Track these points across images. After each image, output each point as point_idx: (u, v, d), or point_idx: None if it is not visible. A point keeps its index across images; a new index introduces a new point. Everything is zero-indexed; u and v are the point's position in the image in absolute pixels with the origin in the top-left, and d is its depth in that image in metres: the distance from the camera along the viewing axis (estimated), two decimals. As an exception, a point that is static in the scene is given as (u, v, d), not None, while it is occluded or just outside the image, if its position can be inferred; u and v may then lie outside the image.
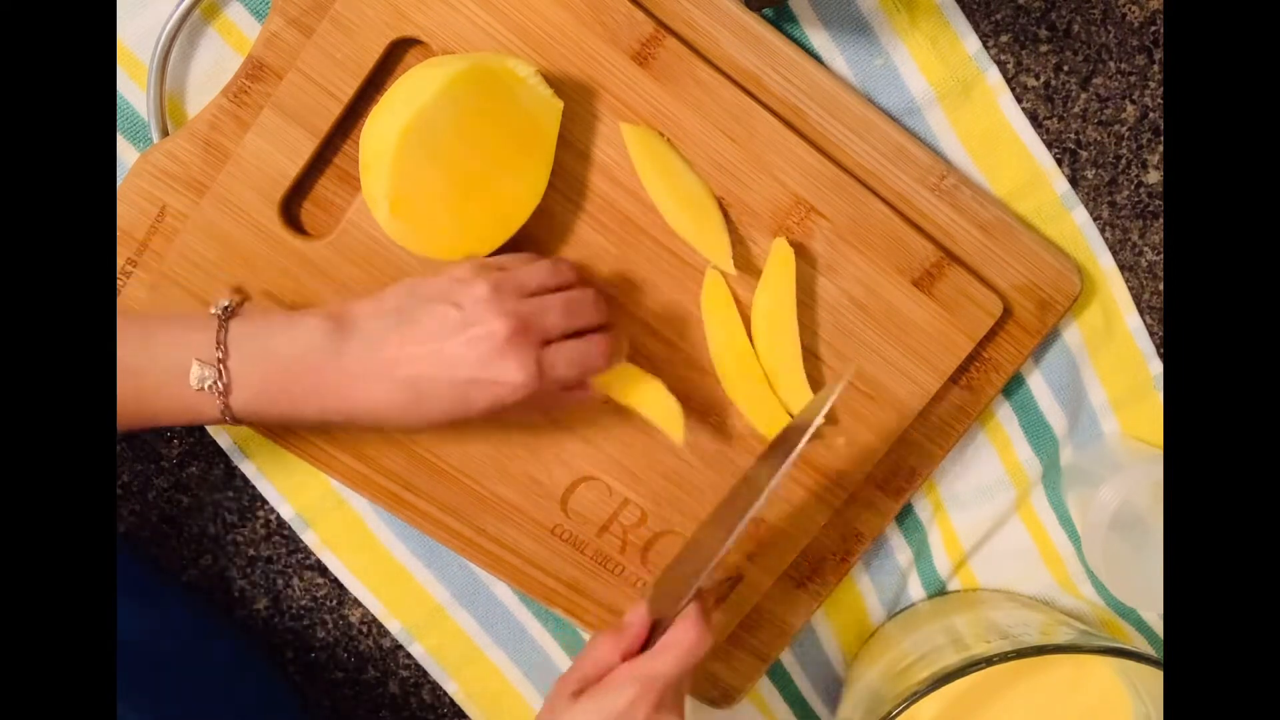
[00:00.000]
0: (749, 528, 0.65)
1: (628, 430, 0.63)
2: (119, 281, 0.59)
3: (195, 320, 0.52)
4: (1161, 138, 0.64)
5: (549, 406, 0.54)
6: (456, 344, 0.51)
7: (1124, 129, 0.64)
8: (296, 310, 0.54)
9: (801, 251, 0.60)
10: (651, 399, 0.59)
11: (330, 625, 0.70)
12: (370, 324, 0.52)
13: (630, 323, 0.61)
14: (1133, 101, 0.64)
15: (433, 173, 0.53)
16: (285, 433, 0.62)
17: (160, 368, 0.50)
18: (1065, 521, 0.71)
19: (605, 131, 0.58)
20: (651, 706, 0.52)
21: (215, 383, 0.50)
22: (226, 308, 0.53)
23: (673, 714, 0.53)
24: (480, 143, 0.54)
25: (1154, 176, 0.65)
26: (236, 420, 0.52)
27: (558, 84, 0.56)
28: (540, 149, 0.56)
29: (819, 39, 0.61)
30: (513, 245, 0.58)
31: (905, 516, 0.70)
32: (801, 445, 0.53)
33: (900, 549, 0.70)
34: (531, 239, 0.59)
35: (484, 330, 0.50)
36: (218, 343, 0.51)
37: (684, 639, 0.53)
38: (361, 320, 0.52)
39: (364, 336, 0.51)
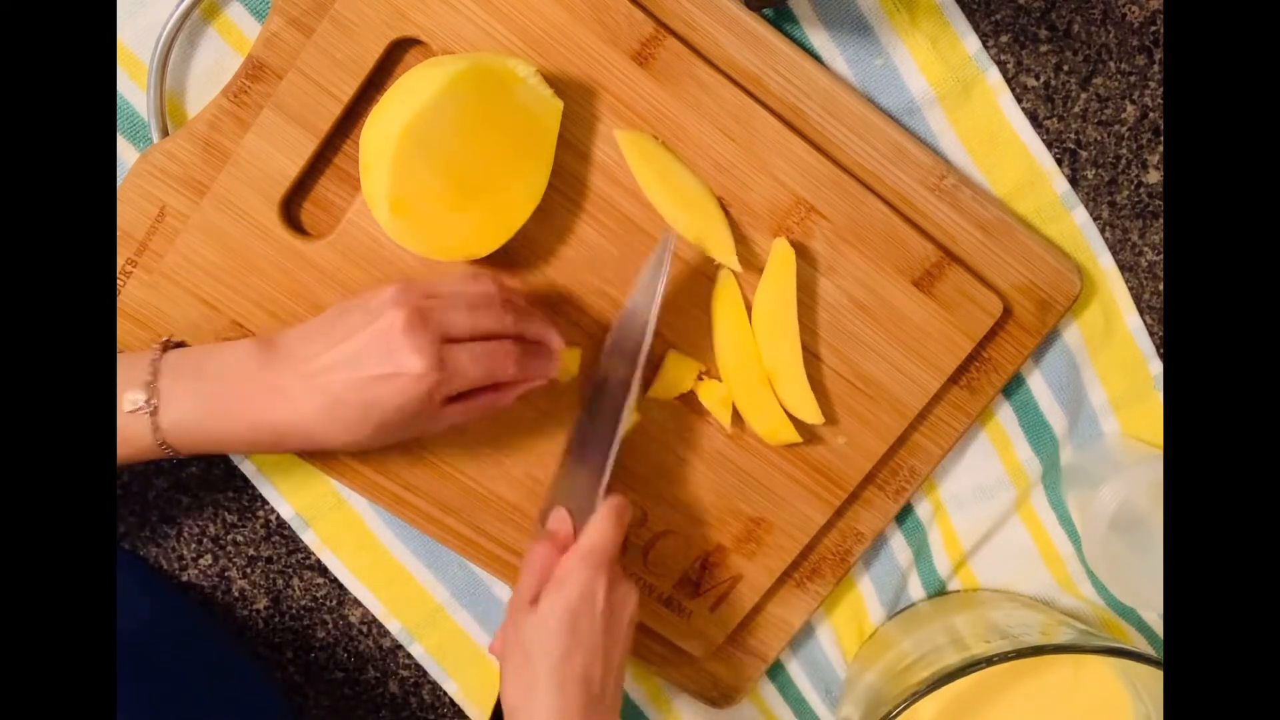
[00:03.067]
0: (749, 527, 0.65)
1: (627, 430, 0.63)
2: (119, 281, 0.59)
3: (131, 355, 0.54)
4: (1161, 138, 0.64)
5: (463, 414, 0.55)
6: (358, 341, 0.51)
7: (1124, 129, 0.64)
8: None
9: (802, 251, 0.60)
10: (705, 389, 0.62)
11: (330, 625, 0.70)
12: (294, 341, 0.53)
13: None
14: (1133, 101, 0.64)
15: (433, 173, 0.53)
16: (177, 452, 0.61)
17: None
18: (1065, 521, 0.71)
19: (605, 131, 0.58)
20: (607, 578, 0.54)
21: (146, 402, 0.52)
22: (166, 342, 0.56)
23: (626, 580, 0.56)
24: (480, 143, 0.54)
25: (1154, 176, 0.65)
26: (170, 448, 0.53)
27: (558, 84, 0.56)
28: (540, 149, 0.56)
29: (819, 39, 0.61)
30: (513, 245, 0.58)
31: (905, 516, 0.70)
32: (653, 321, 0.56)
33: (900, 549, 0.70)
34: (531, 239, 0.59)
35: (384, 324, 0.51)
36: (151, 366, 0.53)
37: (612, 508, 0.56)
38: (287, 339, 0.54)
39: (287, 352, 0.53)
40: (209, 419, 0.52)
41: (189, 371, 0.53)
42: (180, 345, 0.56)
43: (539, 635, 0.53)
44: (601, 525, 0.56)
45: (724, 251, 0.59)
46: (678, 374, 0.62)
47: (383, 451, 0.63)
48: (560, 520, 0.58)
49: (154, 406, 0.52)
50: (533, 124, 0.55)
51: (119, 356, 0.54)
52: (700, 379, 0.62)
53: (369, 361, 0.51)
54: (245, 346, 0.53)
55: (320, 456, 0.62)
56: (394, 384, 0.51)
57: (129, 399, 0.52)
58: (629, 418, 0.58)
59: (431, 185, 0.53)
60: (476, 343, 0.53)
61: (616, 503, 0.57)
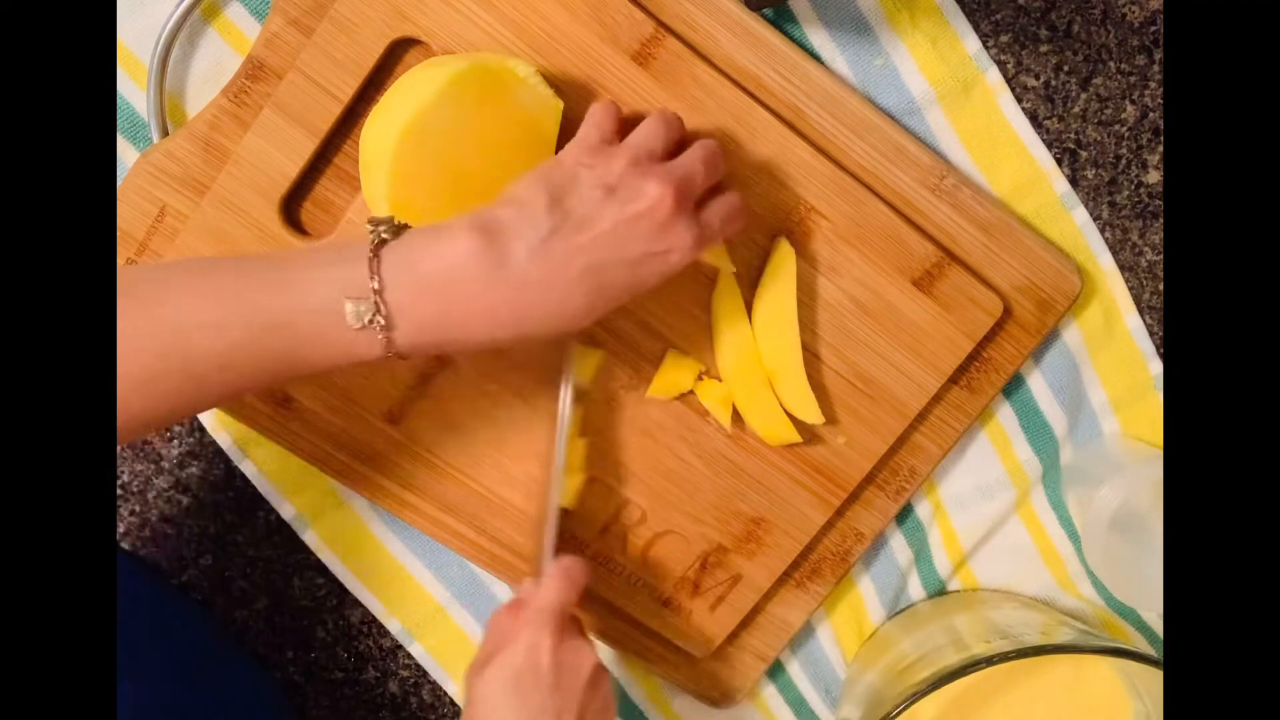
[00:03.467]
0: (749, 528, 0.65)
1: (628, 430, 0.63)
2: (119, 281, 0.59)
3: (338, 253, 0.48)
4: (1161, 138, 0.64)
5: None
6: (622, 223, 0.48)
7: (1124, 129, 0.64)
8: (437, 225, 0.49)
9: (802, 251, 0.60)
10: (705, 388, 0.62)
11: (330, 625, 0.70)
12: (524, 226, 0.48)
13: (629, 323, 0.61)
14: (1133, 101, 0.64)
15: (433, 172, 0.53)
16: (285, 432, 0.62)
17: (310, 311, 0.46)
18: (1065, 521, 0.71)
19: (605, 131, 0.58)
20: (552, 637, 0.54)
21: (375, 318, 0.46)
22: (376, 235, 0.48)
23: (578, 638, 0.55)
24: (480, 143, 0.54)
25: (1154, 176, 0.65)
26: (403, 356, 0.48)
27: (558, 84, 0.56)
28: (540, 149, 0.56)
29: (819, 39, 0.61)
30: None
31: (905, 516, 0.70)
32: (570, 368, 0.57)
33: (900, 549, 0.70)
34: (531, 239, 0.59)
35: (646, 203, 0.49)
36: (372, 273, 0.46)
37: (558, 567, 0.56)
38: (509, 225, 0.48)
39: (523, 240, 0.48)
40: (448, 328, 0.48)
41: (416, 283, 0.47)
42: (387, 224, 0.49)
43: (486, 701, 0.53)
44: (547, 585, 0.56)
45: (717, 254, 0.59)
46: (678, 374, 0.62)
47: (383, 452, 0.63)
48: (526, 588, 0.58)
49: (385, 319, 0.46)
50: (533, 124, 0.55)
51: (306, 254, 0.48)
52: (700, 379, 0.62)
53: (635, 242, 0.49)
54: (468, 241, 0.47)
55: (320, 456, 0.62)
56: (664, 260, 0.50)
57: (353, 311, 0.46)
58: (564, 478, 0.60)
59: (431, 185, 0.53)
60: (720, 201, 0.53)
61: (565, 564, 0.57)
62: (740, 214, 0.54)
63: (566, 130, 0.57)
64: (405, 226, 0.49)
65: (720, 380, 0.63)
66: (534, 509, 0.63)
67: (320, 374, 0.48)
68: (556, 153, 0.56)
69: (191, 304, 0.46)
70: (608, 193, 0.49)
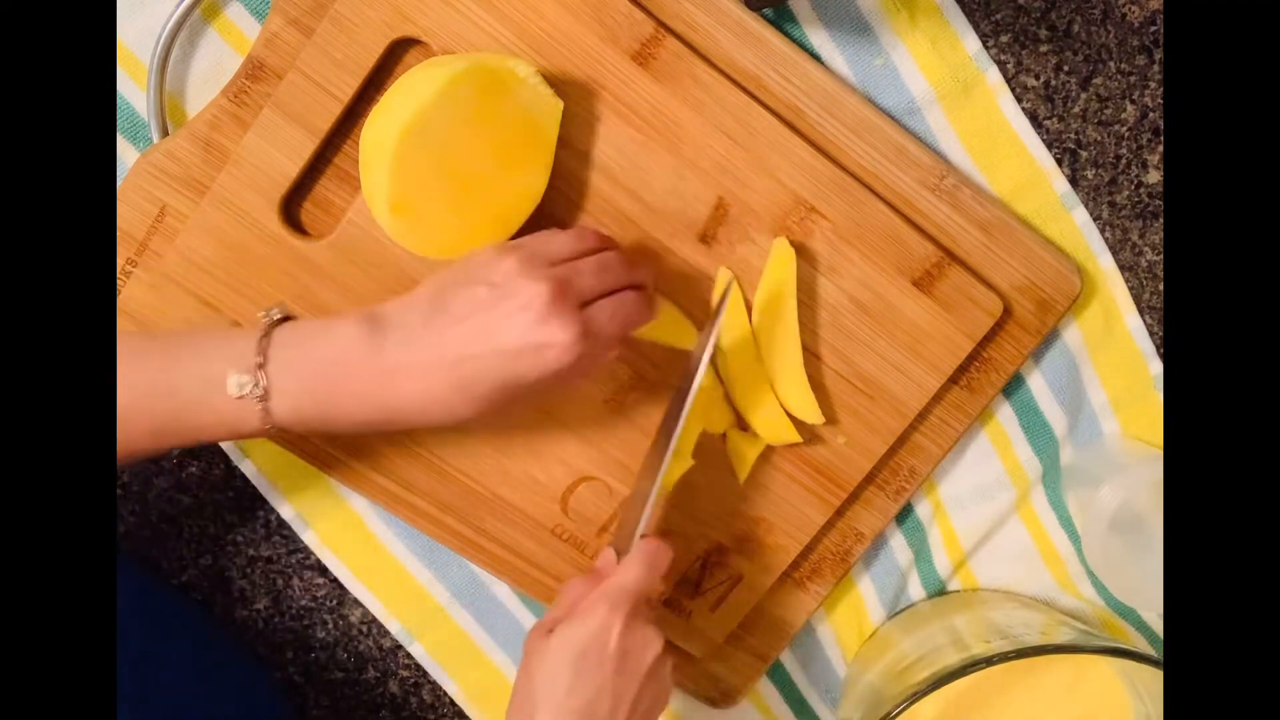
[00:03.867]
0: (749, 527, 0.65)
1: (628, 430, 0.63)
2: (119, 281, 0.59)
3: (228, 332, 0.52)
4: (1161, 138, 0.64)
5: (588, 369, 0.53)
6: (496, 316, 0.50)
7: (1124, 129, 0.64)
8: (331, 316, 0.53)
9: (802, 251, 0.60)
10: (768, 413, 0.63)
11: (330, 625, 0.70)
12: (405, 316, 0.51)
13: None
14: (1133, 101, 0.64)
15: (432, 172, 0.53)
16: (286, 432, 0.62)
17: (199, 381, 0.50)
18: (1065, 521, 0.71)
19: (605, 132, 0.58)
20: (625, 617, 0.53)
21: (253, 389, 0.49)
22: (270, 317, 0.52)
23: (649, 625, 0.54)
24: (480, 142, 0.54)
25: (1154, 176, 0.65)
26: (278, 430, 0.51)
27: (558, 84, 0.56)
28: (540, 149, 0.56)
29: (819, 39, 0.61)
30: (513, 245, 0.58)
31: (905, 516, 0.70)
32: (704, 362, 0.55)
33: (900, 549, 0.70)
34: (531, 239, 0.59)
35: (523, 299, 0.49)
36: (258, 350, 0.50)
37: (643, 550, 0.56)
38: (395, 315, 0.51)
39: (401, 329, 0.50)
40: (323, 405, 0.50)
41: (295, 358, 0.50)
42: (286, 319, 0.53)
43: (545, 666, 0.53)
44: (629, 566, 0.55)
45: (678, 331, 0.61)
46: (711, 413, 0.62)
47: (383, 452, 0.63)
48: (605, 558, 0.57)
49: (264, 391, 0.49)
50: (533, 124, 0.55)
51: (197, 332, 0.53)
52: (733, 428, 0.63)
53: (509, 335, 0.49)
54: (351, 327, 0.50)
55: (320, 456, 0.62)
56: (541, 356, 0.49)
57: (234, 382, 0.49)
58: (671, 461, 0.57)
59: (431, 185, 0.53)
60: (611, 301, 0.52)
61: (650, 546, 0.56)
62: (636, 313, 0.53)
63: (566, 131, 0.57)
64: (292, 316, 0.53)
65: (751, 433, 0.63)
66: (634, 484, 0.62)
67: (204, 442, 0.52)
68: (555, 154, 0.56)
69: None
70: (489, 289, 0.50)
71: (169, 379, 0.50)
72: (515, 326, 0.49)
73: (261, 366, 0.49)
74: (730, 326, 0.61)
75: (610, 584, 0.54)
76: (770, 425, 0.62)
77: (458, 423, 0.51)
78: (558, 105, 0.55)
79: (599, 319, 0.51)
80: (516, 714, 0.53)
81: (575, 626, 0.53)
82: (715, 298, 0.61)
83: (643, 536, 0.57)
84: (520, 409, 0.53)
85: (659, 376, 0.62)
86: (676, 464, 0.62)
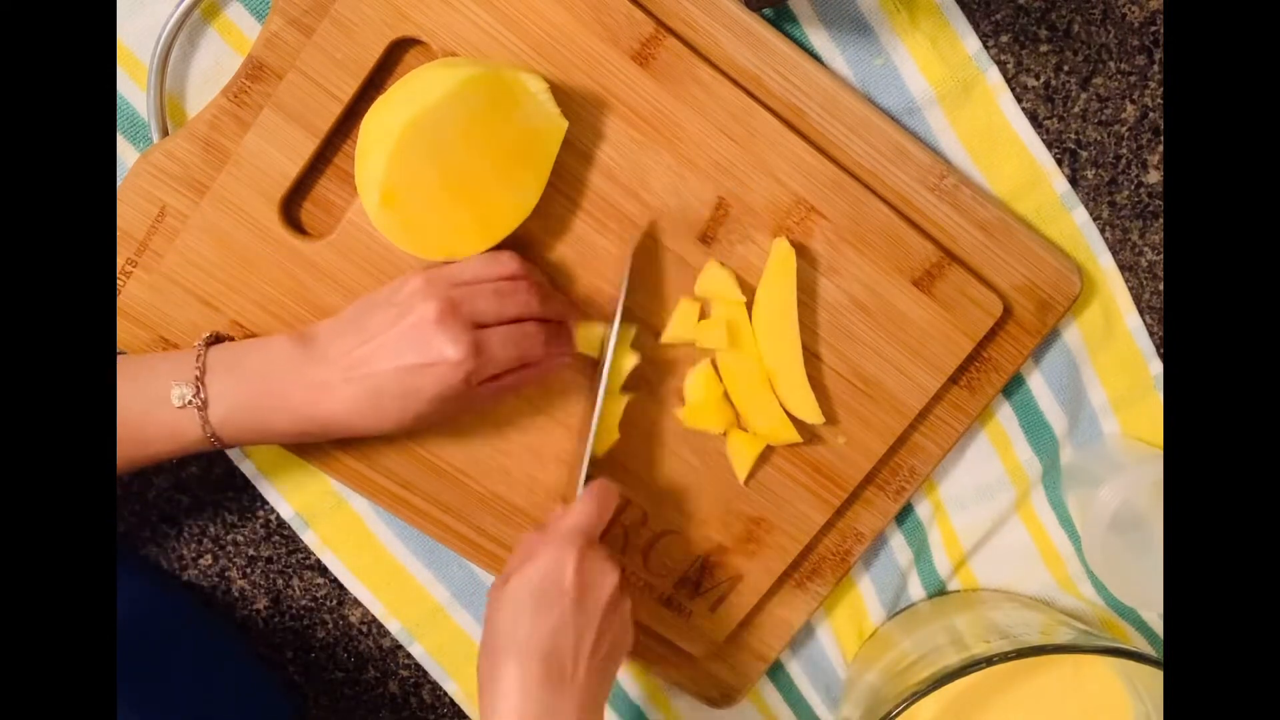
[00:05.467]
0: (749, 528, 0.65)
1: (628, 430, 0.63)
2: (119, 281, 0.59)
3: (175, 353, 0.56)
4: (1161, 138, 0.64)
5: (494, 395, 0.57)
6: (394, 334, 0.53)
7: (1124, 129, 0.64)
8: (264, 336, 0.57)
9: (802, 251, 0.60)
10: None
11: (330, 625, 0.70)
12: (327, 335, 0.55)
13: (630, 321, 0.61)
14: (1133, 101, 0.64)
15: (429, 170, 0.53)
16: (224, 444, 0.62)
17: (145, 397, 0.54)
18: (1065, 521, 0.71)
19: (605, 131, 0.58)
20: (577, 554, 0.54)
21: (194, 398, 0.53)
22: (209, 337, 0.57)
23: (606, 559, 0.56)
24: (480, 148, 0.54)
25: (1154, 176, 0.65)
26: (218, 440, 0.54)
27: (565, 95, 0.56)
28: (538, 164, 0.56)
29: (819, 39, 0.61)
30: (512, 244, 0.58)
31: (905, 516, 0.70)
32: (613, 340, 0.59)
33: (900, 549, 0.70)
34: (531, 238, 0.59)
35: (416, 316, 0.53)
36: (196, 361, 0.54)
37: (591, 490, 0.58)
38: (321, 333, 0.56)
39: (324, 347, 0.55)
40: (255, 413, 0.54)
41: (232, 367, 0.55)
42: (220, 340, 0.58)
43: (505, 610, 0.54)
44: (579, 506, 0.57)
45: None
46: (710, 412, 0.62)
47: (383, 452, 0.63)
48: (555, 511, 0.58)
49: (203, 400, 0.54)
50: (535, 138, 0.55)
51: (163, 353, 0.57)
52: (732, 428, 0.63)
53: (406, 352, 0.53)
54: (283, 343, 0.55)
55: (320, 456, 0.63)
56: (432, 373, 0.53)
57: (176, 394, 0.54)
58: (599, 435, 0.60)
59: (425, 182, 0.53)
60: (506, 326, 0.55)
61: (598, 485, 0.58)
62: (533, 345, 0.56)
63: (567, 151, 0.57)
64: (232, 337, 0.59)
65: (749, 432, 0.63)
66: (572, 448, 0.63)
67: (152, 458, 0.55)
68: (552, 172, 0.56)
69: None
70: (394, 308, 0.54)
71: (122, 398, 0.54)
72: (408, 343, 0.53)
73: (200, 378, 0.54)
74: (731, 326, 0.61)
75: (560, 524, 0.56)
76: (770, 425, 0.62)
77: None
78: (562, 125, 0.55)
79: (490, 341, 0.54)
80: (484, 664, 0.54)
81: (529, 569, 0.54)
82: (697, 287, 0.61)
83: (589, 480, 0.59)
84: (445, 418, 0.56)
85: (658, 378, 0.63)
86: (604, 436, 0.63)
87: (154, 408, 0.54)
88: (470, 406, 0.57)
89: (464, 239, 0.56)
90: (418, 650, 0.70)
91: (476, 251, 0.57)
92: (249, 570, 0.69)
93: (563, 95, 0.56)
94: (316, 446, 0.62)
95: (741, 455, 0.63)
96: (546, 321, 0.57)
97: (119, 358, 0.56)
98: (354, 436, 0.56)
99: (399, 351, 0.53)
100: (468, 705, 0.72)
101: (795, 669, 0.73)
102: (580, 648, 0.54)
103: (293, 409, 0.54)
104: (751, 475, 0.64)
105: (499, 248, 0.57)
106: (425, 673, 0.71)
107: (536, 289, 0.57)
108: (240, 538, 0.68)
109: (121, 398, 0.54)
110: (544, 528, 0.58)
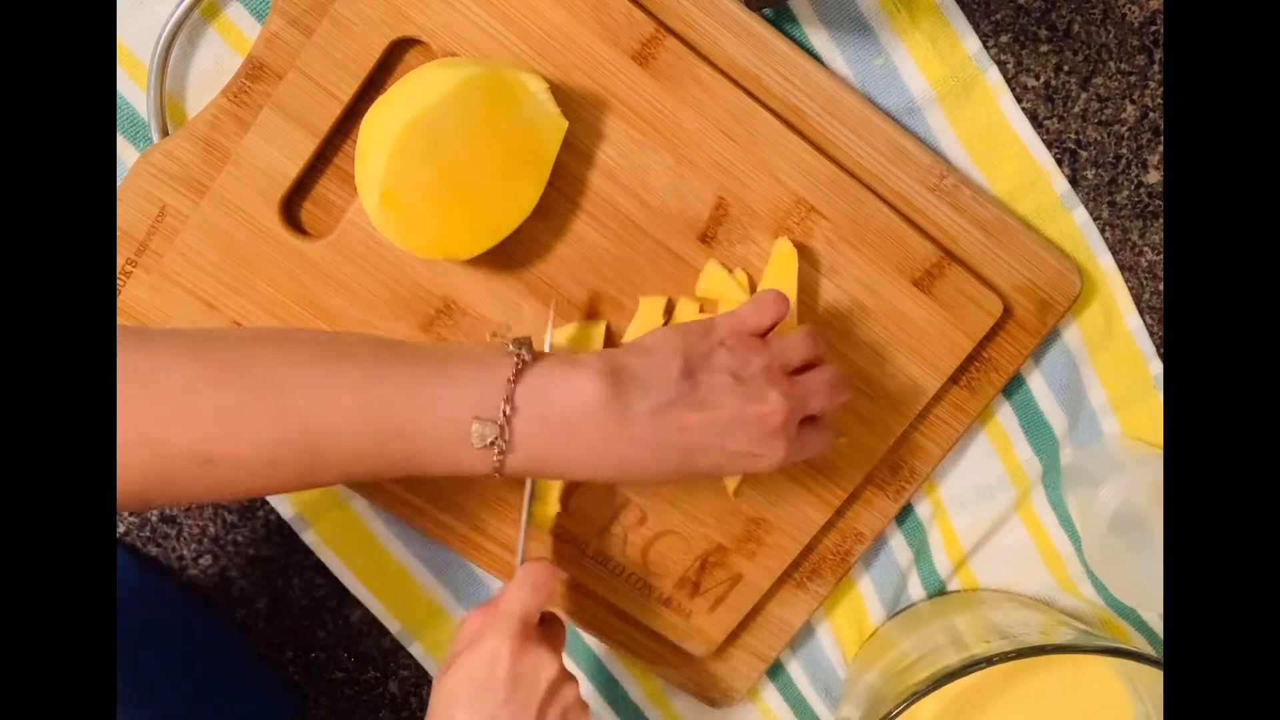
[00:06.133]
0: (749, 528, 0.65)
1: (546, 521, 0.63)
2: (119, 281, 0.59)
3: (476, 372, 0.48)
4: (1161, 138, 0.64)
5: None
6: (735, 418, 0.50)
7: (1124, 129, 0.64)
8: (570, 358, 0.50)
9: (802, 251, 0.60)
10: None
11: (330, 625, 0.70)
12: (650, 384, 0.50)
13: (629, 321, 0.61)
14: (1133, 101, 0.64)
15: (429, 170, 0.53)
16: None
17: (438, 422, 0.47)
18: (1065, 521, 0.71)
19: (605, 131, 0.58)
20: (514, 643, 0.53)
21: (497, 441, 0.47)
22: (519, 363, 0.49)
23: (541, 648, 0.54)
24: (480, 149, 0.54)
25: (1154, 176, 0.65)
26: (503, 475, 0.49)
27: (565, 95, 0.56)
28: (538, 165, 0.56)
29: (819, 39, 0.61)
30: (512, 243, 0.58)
31: (905, 516, 0.70)
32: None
33: (900, 549, 0.70)
34: (530, 237, 0.59)
35: (764, 409, 0.51)
36: (507, 399, 0.48)
37: (525, 573, 0.56)
38: (640, 379, 0.50)
39: (647, 399, 0.49)
40: (557, 460, 0.50)
41: (544, 416, 0.48)
42: (526, 347, 0.50)
43: (441, 704, 0.52)
44: (512, 591, 0.55)
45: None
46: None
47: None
48: (500, 589, 0.57)
49: (505, 444, 0.48)
50: (535, 139, 0.55)
51: (463, 358, 0.49)
52: None
53: (738, 439, 0.51)
54: (596, 390, 0.49)
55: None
56: (751, 463, 0.52)
57: (477, 434, 0.47)
58: (539, 505, 0.61)
59: (424, 181, 0.53)
60: (819, 427, 0.55)
61: (531, 569, 0.56)
62: (818, 444, 0.55)
63: (567, 151, 0.57)
64: (538, 352, 0.50)
65: None
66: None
67: (423, 477, 0.49)
68: (552, 172, 0.56)
69: (322, 399, 0.46)
70: (737, 383, 0.51)
71: (410, 424, 0.47)
72: (748, 433, 0.51)
73: (509, 418, 0.48)
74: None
75: (495, 612, 0.54)
76: None
77: (654, 485, 0.58)
78: (562, 125, 0.55)
79: (811, 443, 0.54)
80: None
81: (465, 660, 0.53)
82: (699, 288, 0.61)
83: (524, 562, 0.57)
84: None
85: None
86: (543, 507, 0.63)
87: (445, 437, 0.47)
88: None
89: (464, 239, 0.56)
90: (418, 650, 0.70)
91: (476, 252, 0.56)
92: (249, 570, 0.69)
93: (563, 95, 0.56)
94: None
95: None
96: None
97: (384, 351, 0.48)
98: (629, 485, 0.55)
99: (733, 437, 0.50)
100: (468, 705, 0.72)
101: (795, 669, 0.73)
102: None
103: (601, 461, 0.49)
104: (747, 477, 0.64)
105: (499, 248, 0.57)
106: (425, 673, 0.71)
107: (841, 374, 0.56)
108: (240, 538, 0.68)
109: (403, 425, 0.47)
110: (487, 607, 0.56)
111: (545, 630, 0.56)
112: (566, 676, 0.55)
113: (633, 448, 0.49)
